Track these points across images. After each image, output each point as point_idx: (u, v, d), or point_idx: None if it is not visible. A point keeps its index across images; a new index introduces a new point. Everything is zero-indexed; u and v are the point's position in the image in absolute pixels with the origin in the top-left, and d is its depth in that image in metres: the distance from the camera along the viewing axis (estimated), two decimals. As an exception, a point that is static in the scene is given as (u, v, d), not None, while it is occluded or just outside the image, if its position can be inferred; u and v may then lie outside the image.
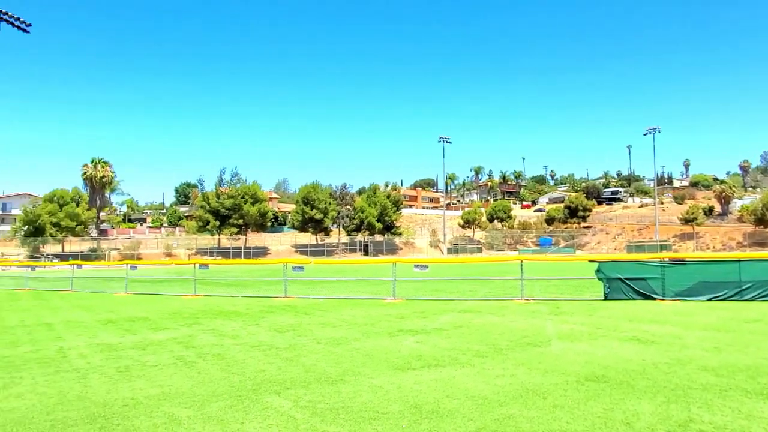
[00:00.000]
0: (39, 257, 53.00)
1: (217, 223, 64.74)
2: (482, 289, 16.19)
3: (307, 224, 71.93)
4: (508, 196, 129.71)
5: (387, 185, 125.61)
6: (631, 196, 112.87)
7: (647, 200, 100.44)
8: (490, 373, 5.61)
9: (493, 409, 4.36)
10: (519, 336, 7.86)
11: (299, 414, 4.32)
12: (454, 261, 31.93)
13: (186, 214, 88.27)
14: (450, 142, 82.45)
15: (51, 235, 56.45)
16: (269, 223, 74.07)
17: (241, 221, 65.23)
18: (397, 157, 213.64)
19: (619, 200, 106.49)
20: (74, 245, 61.14)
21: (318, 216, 70.14)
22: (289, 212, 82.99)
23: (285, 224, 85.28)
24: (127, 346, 7.52)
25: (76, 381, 5.53)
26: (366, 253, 73.47)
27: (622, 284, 12.47)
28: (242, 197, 65.55)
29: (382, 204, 75.62)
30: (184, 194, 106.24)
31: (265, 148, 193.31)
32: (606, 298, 12.45)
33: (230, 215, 64.77)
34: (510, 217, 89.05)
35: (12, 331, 9.21)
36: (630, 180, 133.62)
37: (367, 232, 75.57)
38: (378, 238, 77.35)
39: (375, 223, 73.50)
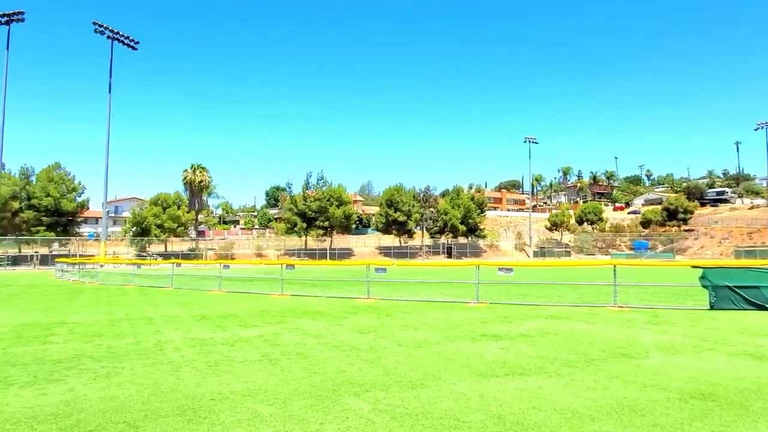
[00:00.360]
0: (145, 256, 57.31)
1: (304, 225, 66.86)
2: (571, 295, 15.45)
3: (390, 226, 72.52)
4: (599, 198, 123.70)
5: (471, 187, 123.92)
6: (740, 196, 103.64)
7: (759, 201, 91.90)
8: (580, 384, 5.26)
9: (584, 424, 4.06)
10: (612, 346, 7.36)
11: (378, 418, 4.26)
12: (541, 265, 30.81)
13: (275, 217, 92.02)
14: (536, 143, 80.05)
15: (155, 235, 60.89)
16: (354, 225, 75.43)
17: (326, 223, 66.95)
18: (481, 158, 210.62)
19: (725, 201, 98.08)
20: (176, 245, 65.58)
21: (401, 218, 70.50)
22: (373, 214, 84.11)
23: (369, 226, 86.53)
24: (218, 342, 7.85)
25: (170, 373, 5.82)
26: (449, 255, 72.87)
27: (731, 293, 11.37)
28: (328, 200, 67.26)
29: (466, 206, 74.68)
30: (273, 197, 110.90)
31: (350, 152, 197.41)
32: (712, 308, 11.42)
33: (316, 217, 66.66)
34: (601, 219, 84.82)
35: (118, 324, 9.93)
36: (738, 179, 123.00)
37: (451, 235, 74.95)
38: (461, 240, 76.48)
39: (458, 225, 72.73)
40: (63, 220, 58.77)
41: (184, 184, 74.41)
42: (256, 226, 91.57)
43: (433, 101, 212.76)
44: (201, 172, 74.82)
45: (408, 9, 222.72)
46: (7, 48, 49.11)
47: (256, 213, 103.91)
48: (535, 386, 5.20)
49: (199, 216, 76.17)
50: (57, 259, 35.20)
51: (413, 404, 4.62)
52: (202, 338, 8.23)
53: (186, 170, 74.09)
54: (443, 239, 76.19)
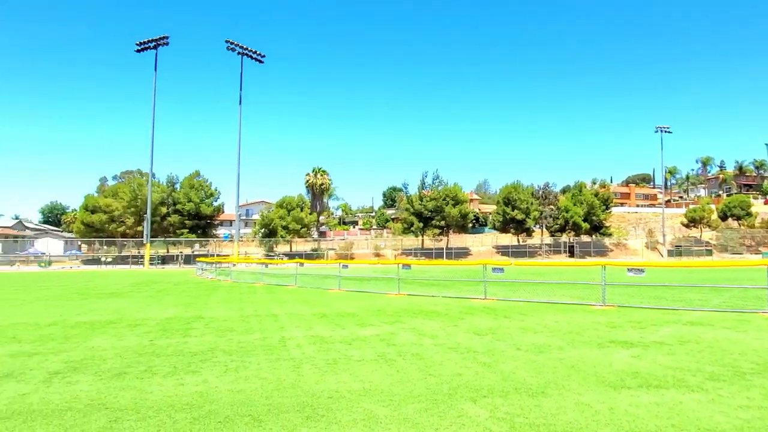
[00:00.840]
0: (272, 256, 61.22)
1: (421, 224, 67.33)
2: (714, 299, 13.89)
3: (508, 225, 70.68)
4: (747, 190, 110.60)
5: (594, 183, 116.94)
6: None
7: None
8: (729, 402, 4.64)
9: (736, 448, 3.56)
10: (768, 358, 6.45)
11: (496, 426, 4.06)
12: (677, 265, 28.12)
13: (392, 217, 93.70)
14: (669, 132, 73.55)
15: (281, 236, 64.83)
16: (470, 224, 74.56)
17: (442, 223, 66.87)
18: (604, 152, 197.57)
19: None
20: (299, 245, 69.30)
21: (519, 216, 68.41)
22: (490, 213, 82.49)
23: (486, 225, 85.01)
24: (336, 340, 8.06)
25: (291, 369, 6.06)
26: (571, 254, 69.32)
27: None
28: (444, 199, 67.15)
29: (589, 202, 70.61)
30: (390, 198, 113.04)
31: (466, 150, 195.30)
32: None
33: (433, 217, 66.84)
34: (749, 214, 75.79)
35: (248, 320, 10.60)
36: None
37: (573, 233, 71.27)
38: (585, 238, 72.40)
39: (581, 222, 68.97)
40: (202, 223, 64.70)
41: (307, 187, 78.54)
42: (374, 227, 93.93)
43: (551, 93, 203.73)
44: (322, 175, 78.46)
45: (520, 6, 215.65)
46: (155, 69, 55.09)
47: (373, 213, 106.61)
48: (674, 401, 4.67)
49: (321, 217, 79.84)
50: (197, 259, 38.75)
51: (534, 414, 4.36)
52: (322, 336, 8.50)
53: (308, 174, 78.15)
54: (564, 237, 72.67)
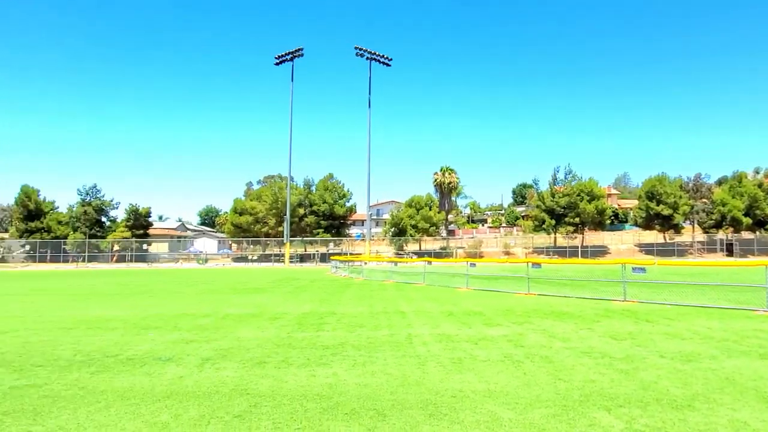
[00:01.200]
0: (402, 254, 62.45)
1: (553, 221, 64.43)
2: None
3: (652, 221, 64.99)
4: None
5: (757, 172, 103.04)
6: None
7: None
8: None
9: None
10: None
11: (632, 439, 3.76)
12: None
13: (522, 214, 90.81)
14: None
15: (411, 235, 65.88)
16: (608, 221, 69.75)
17: (577, 219, 63.39)
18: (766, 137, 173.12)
19: None
20: (428, 244, 69.87)
21: (666, 211, 62.58)
22: (631, 208, 76.57)
23: (626, 221, 79.01)
24: (462, 339, 8.00)
25: (416, 366, 6.12)
26: (730, 253, 61.87)
27: None
28: (578, 195, 63.62)
29: (751, 195, 62.52)
30: (520, 195, 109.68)
31: (603, 143, 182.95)
32: None
33: (566, 214, 63.64)
34: None
35: (377, 317, 10.92)
36: None
37: (731, 229, 63.57)
38: (746, 235, 64.22)
39: (741, 217, 61.29)
40: (336, 223, 68.01)
41: (435, 185, 78.98)
42: (504, 225, 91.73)
43: (698, 78, 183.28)
44: (450, 173, 78.43)
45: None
46: (292, 80, 59.03)
47: (503, 211, 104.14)
48: None
49: (449, 216, 79.79)
50: (332, 257, 40.76)
51: (677, 428, 3.96)
52: (449, 334, 8.49)
53: (436, 173, 78.56)
54: (721, 234, 65.05)
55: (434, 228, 68.56)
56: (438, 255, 62.35)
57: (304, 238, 66.67)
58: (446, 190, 79.04)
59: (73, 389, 5.21)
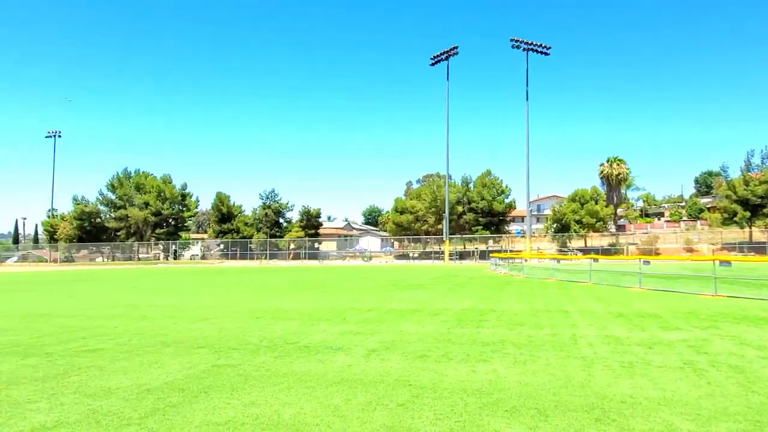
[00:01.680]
0: (565, 251, 59.39)
1: (747, 213, 56.17)
2: None
3: None
4: None
5: None
6: None
7: None
8: None
9: None
10: None
11: None
12: None
13: (708, 206, 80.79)
14: None
15: (575, 231, 62.37)
16: (822, 212, 58.82)
17: (778, 210, 54.50)
18: None
19: None
20: (595, 240, 65.46)
21: None
22: None
23: None
24: (634, 342, 7.44)
25: (581, 368, 5.86)
26: None
27: None
28: (779, 181, 54.68)
29: None
30: (705, 184, 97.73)
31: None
32: None
33: (764, 204, 55.06)
34: None
35: (538, 315, 10.61)
36: None
37: None
38: None
39: None
40: (495, 220, 67.03)
41: (601, 178, 73.76)
42: (684, 218, 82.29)
43: None
44: (618, 164, 72.68)
45: None
46: (447, 79, 59.68)
47: (683, 203, 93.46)
48: None
49: (618, 210, 73.94)
50: (491, 254, 40.32)
51: None
52: (617, 336, 7.94)
53: (602, 164, 73.34)
54: None
55: (601, 223, 64.01)
56: (606, 252, 58.08)
57: (463, 236, 66.76)
58: (614, 182, 73.20)
59: (260, 370, 5.92)
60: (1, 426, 4.12)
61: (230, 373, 5.80)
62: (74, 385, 5.39)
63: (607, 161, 73.57)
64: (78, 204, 76.89)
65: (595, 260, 22.64)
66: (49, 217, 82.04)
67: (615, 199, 72.69)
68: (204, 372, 5.88)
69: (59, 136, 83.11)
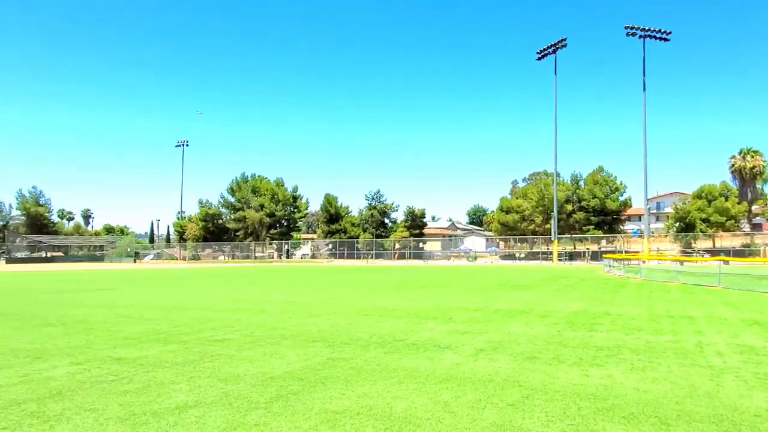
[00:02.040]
0: (690, 252, 54.68)
1: None
2: None
3: None
4: None
5: None
6: None
7: None
8: None
9: None
10: None
11: None
12: None
13: None
14: None
15: (701, 230, 57.24)
16: None
17: None
18: None
19: None
20: (725, 240, 59.56)
21: None
22: None
23: None
24: (771, 352, 6.77)
25: (708, 378, 5.46)
26: None
27: None
28: None
29: None
30: None
31: None
32: None
33: None
34: None
35: (658, 320, 9.97)
36: None
37: None
38: None
39: None
40: (608, 219, 63.35)
41: (732, 171, 66.93)
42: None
43: None
44: (753, 156, 65.59)
45: None
46: (555, 73, 57.33)
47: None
48: None
49: (753, 207, 66.69)
50: (604, 255, 38.21)
51: None
52: (752, 345, 7.27)
53: (733, 156, 66.58)
54: None
55: (732, 221, 58.12)
56: (738, 253, 52.64)
57: (573, 236, 63.80)
58: (748, 177, 66.02)
59: (371, 365, 6.17)
60: (152, 402, 4.69)
61: (344, 366, 6.11)
62: (208, 370, 5.98)
63: (740, 153, 66.57)
64: (203, 207, 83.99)
65: (726, 262, 20.67)
66: (178, 218, 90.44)
67: (749, 194, 65.56)
68: (320, 364, 6.24)
69: (187, 145, 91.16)
